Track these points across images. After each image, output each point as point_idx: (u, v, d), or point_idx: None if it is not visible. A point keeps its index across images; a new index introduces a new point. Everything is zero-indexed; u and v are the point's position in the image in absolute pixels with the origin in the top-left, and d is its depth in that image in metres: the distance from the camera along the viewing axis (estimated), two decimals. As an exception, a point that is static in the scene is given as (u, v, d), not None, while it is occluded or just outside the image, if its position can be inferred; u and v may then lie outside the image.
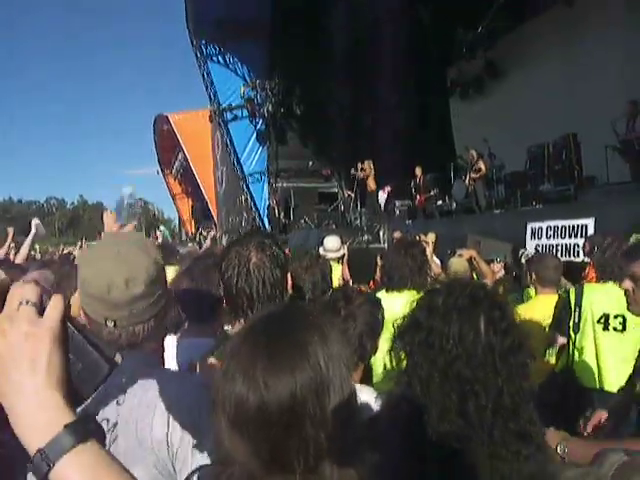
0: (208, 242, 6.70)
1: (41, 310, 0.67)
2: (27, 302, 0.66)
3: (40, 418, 0.63)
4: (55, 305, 0.68)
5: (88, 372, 0.71)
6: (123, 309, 1.14)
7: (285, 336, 0.82)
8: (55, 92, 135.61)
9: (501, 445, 1.10)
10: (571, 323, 3.34)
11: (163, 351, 1.37)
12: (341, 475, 0.79)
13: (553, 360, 3.38)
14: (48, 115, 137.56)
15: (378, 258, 4.34)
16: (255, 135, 18.93)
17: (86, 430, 0.65)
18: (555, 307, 3.41)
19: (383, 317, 1.97)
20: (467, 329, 1.14)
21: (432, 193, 13.07)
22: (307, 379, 0.78)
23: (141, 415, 1.12)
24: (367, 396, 1.67)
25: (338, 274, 3.98)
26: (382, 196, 14.57)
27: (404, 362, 1.24)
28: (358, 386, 1.75)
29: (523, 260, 4.72)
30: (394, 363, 1.27)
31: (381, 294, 2.91)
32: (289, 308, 0.95)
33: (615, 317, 3.31)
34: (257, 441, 0.77)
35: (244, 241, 1.57)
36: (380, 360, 2.43)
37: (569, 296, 3.52)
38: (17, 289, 0.68)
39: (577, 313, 3.61)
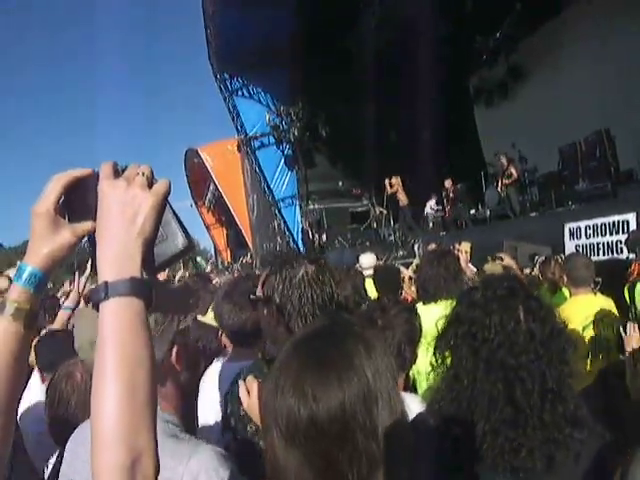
0: (238, 267, 6.80)
1: (151, 184, 0.80)
2: (143, 174, 0.80)
3: (119, 259, 0.73)
4: (163, 183, 0.81)
5: (167, 243, 0.81)
6: None
7: (332, 348, 0.83)
8: (84, 127, 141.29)
9: (554, 428, 1.12)
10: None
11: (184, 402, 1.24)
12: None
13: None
14: (81, 152, 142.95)
15: (403, 271, 4.31)
16: (283, 160, 19.19)
17: (144, 290, 0.74)
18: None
19: (420, 325, 1.95)
20: (507, 318, 1.18)
21: (460, 205, 12.92)
22: (355, 390, 0.78)
23: None
24: (414, 404, 1.64)
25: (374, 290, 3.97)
26: (430, 206, 14.32)
27: (448, 359, 1.27)
28: (403, 394, 1.72)
29: (537, 264, 4.58)
30: (438, 362, 1.30)
31: (418, 307, 2.87)
32: (334, 321, 0.95)
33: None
34: (309, 453, 0.77)
35: (294, 259, 1.54)
36: (423, 374, 2.40)
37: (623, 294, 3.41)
38: (136, 166, 0.81)
39: (633, 310, 3.49)
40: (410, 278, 5.11)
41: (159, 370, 1.07)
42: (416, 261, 6.35)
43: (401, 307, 1.96)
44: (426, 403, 1.56)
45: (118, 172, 0.81)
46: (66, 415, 1.49)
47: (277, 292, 1.45)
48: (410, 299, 3.62)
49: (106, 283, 0.72)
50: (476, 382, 1.17)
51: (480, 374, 1.17)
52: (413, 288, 4.08)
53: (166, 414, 1.11)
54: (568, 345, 1.20)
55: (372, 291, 3.89)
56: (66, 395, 1.57)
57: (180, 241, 0.81)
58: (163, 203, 0.80)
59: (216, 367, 1.99)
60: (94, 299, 0.72)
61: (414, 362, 1.97)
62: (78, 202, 0.83)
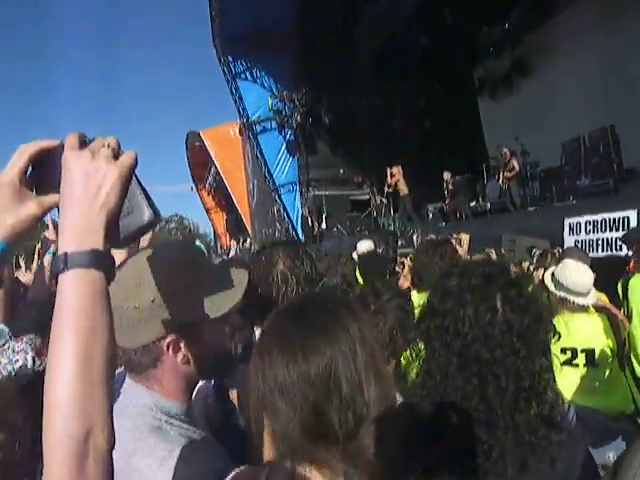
0: (232, 252, 6.78)
1: (117, 156, 0.79)
2: (108, 145, 0.79)
3: (82, 231, 0.73)
4: (129, 155, 0.80)
5: (133, 216, 0.80)
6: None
7: (317, 308, 0.88)
8: (83, 111, 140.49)
9: (527, 430, 1.05)
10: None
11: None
12: (379, 444, 0.80)
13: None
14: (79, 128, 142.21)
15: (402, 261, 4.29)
16: (285, 146, 19.10)
17: (104, 263, 0.74)
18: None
19: (414, 311, 1.93)
20: (483, 309, 1.10)
21: (460, 196, 12.86)
22: (342, 345, 0.81)
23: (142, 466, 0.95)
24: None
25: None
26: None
27: (422, 353, 1.21)
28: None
29: (534, 257, 4.56)
30: (413, 356, 1.27)
31: (413, 295, 2.86)
32: (324, 292, 0.98)
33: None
34: (299, 405, 0.80)
35: (274, 248, 1.52)
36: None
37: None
38: (102, 138, 0.80)
39: (626, 305, 3.47)
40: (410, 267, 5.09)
41: (152, 351, 1.04)
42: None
43: (394, 292, 1.93)
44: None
45: (84, 143, 0.79)
46: None
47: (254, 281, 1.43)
48: (406, 287, 3.60)
49: (66, 254, 0.72)
50: (449, 378, 1.10)
51: (453, 369, 1.10)
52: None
53: (157, 396, 1.08)
54: (548, 336, 1.13)
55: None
56: None
57: (146, 214, 0.80)
58: (129, 175, 0.79)
59: None
60: (54, 270, 0.72)
61: (406, 349, 1.96)
62: (46, 174, 0.81)
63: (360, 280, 3.65)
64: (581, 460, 1.08)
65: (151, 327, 1.03)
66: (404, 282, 3.95)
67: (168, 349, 1.05)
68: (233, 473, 0.90)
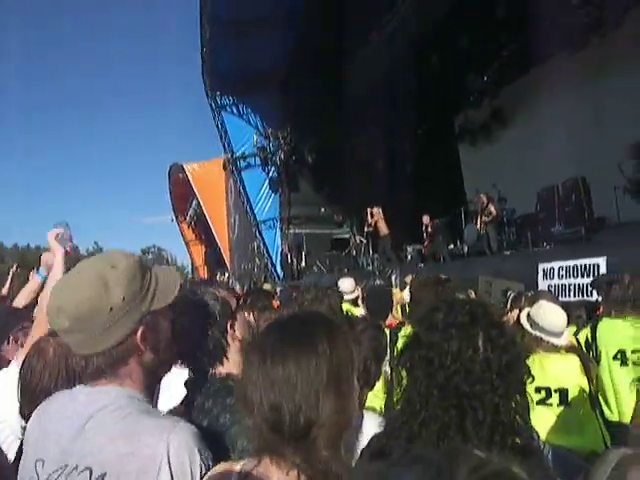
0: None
1: None
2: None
3: None
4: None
5: None
6: (63, 337, 1.13)
7: (300, 325, 1.06)
8: (69, 137, 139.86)
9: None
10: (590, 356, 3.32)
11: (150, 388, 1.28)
12: (324, 447, 0.96)
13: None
14: (63, 161, 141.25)
15: (394, 296, 4.37)
16: (268, 183, 19.31)
17: None
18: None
19: (387, 343, 2.00)
20: (466, 346, 1.16)
21: (440, 239, 13.11)
22: (306, 359, 0.98)
23: (142, 467, 1.03)
24: (370, 425, 1.66)
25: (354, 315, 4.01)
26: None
27: (404, 381, 1.25)
28: (364, 412, 1.75)
29: (509, 299, 4.67)
30: (396, 382, 1.29)
31: (406, 329, 2.91)
32: (312, 314, 1.16)
33: (633, 352, 3.27)
34: (261, 400, 0.97)
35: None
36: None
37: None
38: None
39: (594, 348, 3.59)
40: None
41: (125, 346, 1.12)
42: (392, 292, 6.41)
43: (368, 323, 2.00)
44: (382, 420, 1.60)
45: None
46: (38, 394, 1.46)
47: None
48: (394, 324, 3.66)
49: None
50: (428, 407, 1.15)
51: (434, 399, 1.15)
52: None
53: (130, 390, 1.14)
54: (526, 376, 1.20)
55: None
56: (38, 373, 1.57)
57: None
58: None
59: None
60: None
61: (378, 379, 2.00)
62: None
63: (354, 312, 3.71)
64: None
65: (125, 323, 1.12)
66: (393, 319, 4.02)
67: (141, 341, 1.14)
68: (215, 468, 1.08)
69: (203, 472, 1.06)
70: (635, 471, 0.83)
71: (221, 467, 1.05)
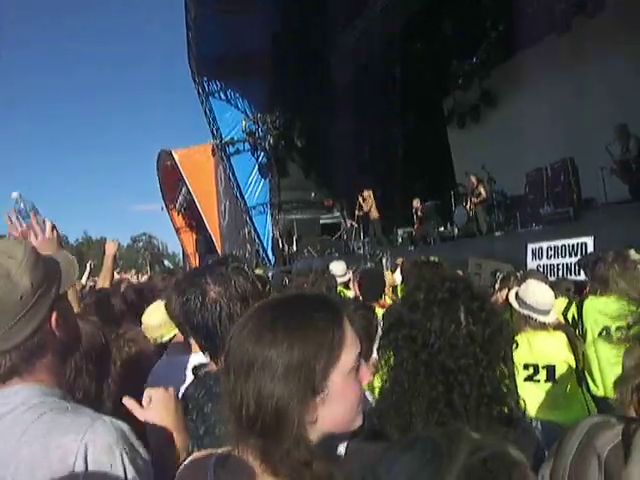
0: None
1: None
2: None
3: None
4: None
5: None
6: None
7: (272, 314, 0.93)
8: (57, 128, 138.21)
9: (488, 431, 1.12)
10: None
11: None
12: (289, 451, 0.86)
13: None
14: (51, 151, 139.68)
15: (386, 278, 4.43)
16: (257, 168, 19.24)
17: None
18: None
19: (377, 323, 2.04)
20: (448, 322, 1.18)
21: (431, 222, 13.18)
22: (271, 351, 0.87)
23: (55, 471, 0.94)
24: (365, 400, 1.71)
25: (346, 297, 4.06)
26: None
27: (391, 359, 1.27)
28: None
29: (498, 280, 4.74)
30: (382, 363, 1.30)
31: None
32: (285, 300, 1.01)
33: (617, 329, 3.35)
34: (228, 391, 0.89)
35: (203, 272, 1.49)
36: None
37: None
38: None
39: (580, 326, 3.67)
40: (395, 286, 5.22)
41: (39, 335, 1.06)
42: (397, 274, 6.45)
43: (359, 304, 2.05)
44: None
45: None
46: None
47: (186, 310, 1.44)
48: (387, 305, 3.72)
49: None
50: (416, 384, 1.18)
51: (420, 377, 1.17)
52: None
53: (45, 387, 1.06)
54: (508, 346, 1.23)
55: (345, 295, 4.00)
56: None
57: None
58: None
59: (167, 360, 1.97)
60: None
61: (367, 360, 2.04)
62: None
63: (347, 294, 3.76)
64: (533, 450, 1.17)
65: (38, 310, 1.05)
66: (385, 302, 4.07)
67: (55, 326, 1.09)
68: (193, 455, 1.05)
69: (131, 474, 0.97)
70: (602, 436, 0.87)
71: (201, 453, 1.03)
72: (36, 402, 1.01)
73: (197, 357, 1.58)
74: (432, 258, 6.77)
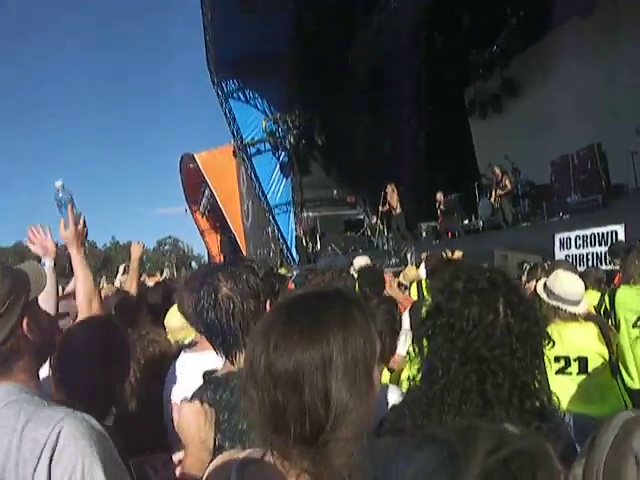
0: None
1: None
2: None
3: None
4: None
5: None
6: None
7: (305, 313, 0.89)
8: (81, 135, 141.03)
9: (519, 423, 1.09)
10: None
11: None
12: (338, 452, 0.82)
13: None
14: (75, 159, 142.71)
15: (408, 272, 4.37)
16: (279, 167, 19.30)
17: None
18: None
19: (401, 317, 2.00)
20: (486, 311, 1.18)
21: (454, 215, 13.02)
22: (315, 353, 0.83)
23: (23, 461, 0.97)
24: (393, 396, 1.68)
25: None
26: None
27: (425, 349, 1.27)
28: (384, 385, 1.76)
29: (525, 271, 4.63)
30: (416, 352, 1.30)
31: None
32: (323, 295, 0.97)
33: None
34: (263, 395, 0.84)
35: (214, 271, 1.48)
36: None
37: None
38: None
39: (613, 316, 3.55)
40: (399, 284, 5.18)
41: (13, 337, 1.12)
42: (408, 269, 6.39)
43: (383, 298, 2.01)
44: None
45: None
46: None
47: (200, 308, 1.42)
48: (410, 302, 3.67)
49: None
50: (450, 373, 1.17)
51: (455, 365, 1.17)
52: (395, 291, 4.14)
53: (21, 385, 1.11)
54: (544, 341, 1.22)
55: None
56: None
57: None
58: None
59: (183, 358, 1.95)
60: None
61: (393, 354, 2.01)
62: None
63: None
64: (562, 445, 1.13)
65: (10, 316, 1.12)
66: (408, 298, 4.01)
67: (28, 330, 1.15)
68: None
69: (98, 468, 0.98)
70: (639, 435, 0.82)
71: (225, 456, 1.01)
72: (15, 399, 1.06)
73: (210, 355, 1.56)
74: (457, 251, 6.68)
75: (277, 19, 15.96)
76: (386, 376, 2.23)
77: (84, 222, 2.02)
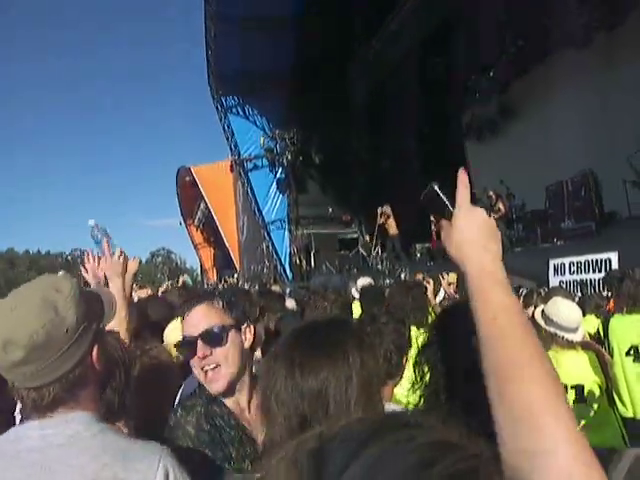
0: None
1: None
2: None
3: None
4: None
5: None
6: (9, 372, 1.05)
7: (329, 335, 1.00)
8: (76, 144, 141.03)
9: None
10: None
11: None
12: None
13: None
14: (71, 167, 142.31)
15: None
16: (275, 184, 19.37)
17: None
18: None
19: (410, 337, 2.00)
20: None
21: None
22: (339, 371, 0.92)
23: None
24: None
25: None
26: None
27: (427, 376, 1.27)
28: (389, 405, 1.76)
29: (521, 296, 4.67)
30: (417, 379, 1.30)
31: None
32: (339, 321, 1.09)
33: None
34: (289, 413, 0.91)
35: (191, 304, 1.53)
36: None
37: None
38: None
39: (607, 344, 3.57)
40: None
41: (81, 367, 1.09)
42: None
43: (390, 317, 2.01)
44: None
45: None
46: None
47: None
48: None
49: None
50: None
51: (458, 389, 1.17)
52: None
53: (93, 414, 1.11)
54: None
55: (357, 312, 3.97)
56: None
57: None
58: None
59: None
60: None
61: (402, 373, 2.01)
62: None
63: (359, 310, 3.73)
64: None
65: (81, 343, 1.08)
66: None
67: (96, 360, 1.12)
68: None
69: None
70: None
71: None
72: (97, 429, 1.07)
73: None
74: (451, 274, 6.70)
75: (278, 37, 16.17)
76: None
77: (121, 252, 2.05)
